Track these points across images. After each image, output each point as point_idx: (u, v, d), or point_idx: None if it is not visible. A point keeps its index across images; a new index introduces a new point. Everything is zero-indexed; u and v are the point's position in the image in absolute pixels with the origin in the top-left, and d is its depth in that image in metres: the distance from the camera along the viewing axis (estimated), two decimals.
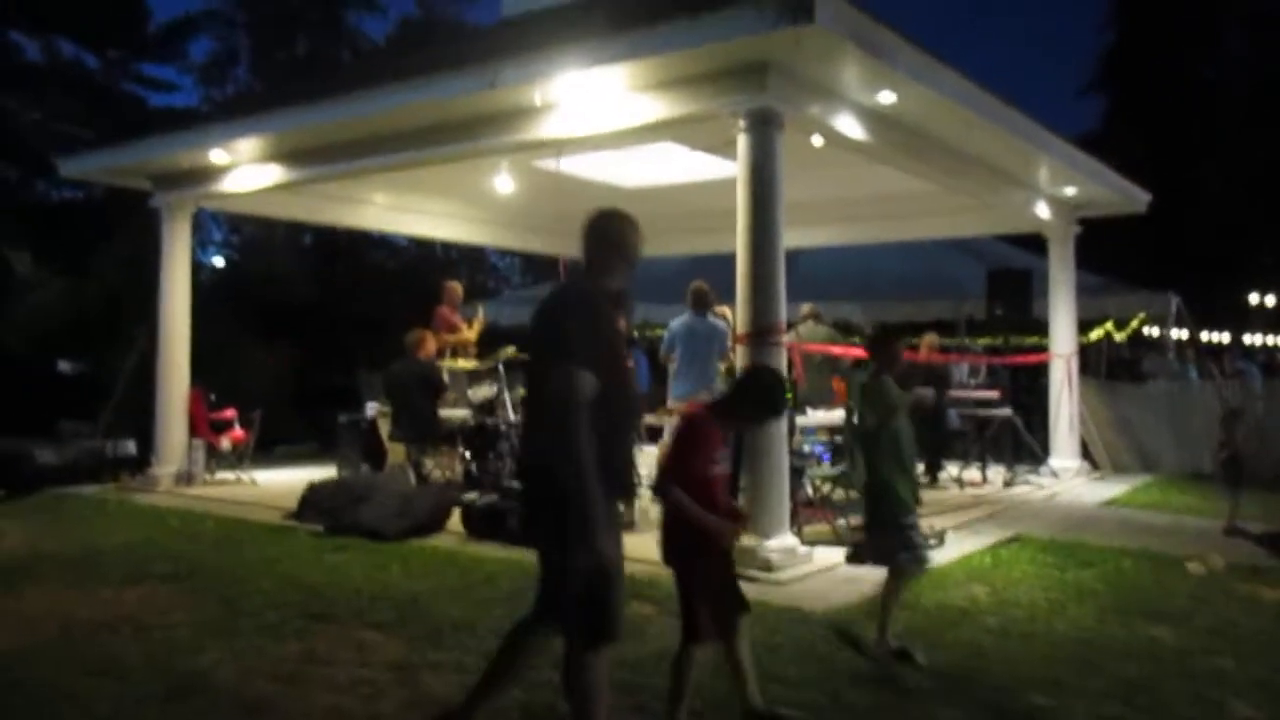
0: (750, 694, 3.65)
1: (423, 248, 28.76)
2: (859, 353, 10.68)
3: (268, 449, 12.21)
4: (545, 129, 7.43)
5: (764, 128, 6.37)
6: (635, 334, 12.28)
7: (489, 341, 10.98)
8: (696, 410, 3.81)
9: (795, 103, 6.56)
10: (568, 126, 7.32)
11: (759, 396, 3.69)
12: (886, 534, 4.35)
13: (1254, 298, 24.64)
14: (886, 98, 7.03)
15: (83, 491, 9.69)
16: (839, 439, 8.30)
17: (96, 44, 21.70)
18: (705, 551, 3.53)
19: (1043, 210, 10.60)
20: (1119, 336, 13.89)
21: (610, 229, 3.35)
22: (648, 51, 6.28)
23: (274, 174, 9.35)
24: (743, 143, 6.43)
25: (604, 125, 7.16)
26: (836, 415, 8.42)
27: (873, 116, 7.35)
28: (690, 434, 3.59)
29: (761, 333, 6.32)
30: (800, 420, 7.78)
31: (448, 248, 29.45)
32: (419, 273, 27.12)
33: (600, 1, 8.32)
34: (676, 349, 8.48)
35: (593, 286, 3.29)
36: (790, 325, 9.96)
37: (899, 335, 5.14)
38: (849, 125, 7.17)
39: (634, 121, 7.01)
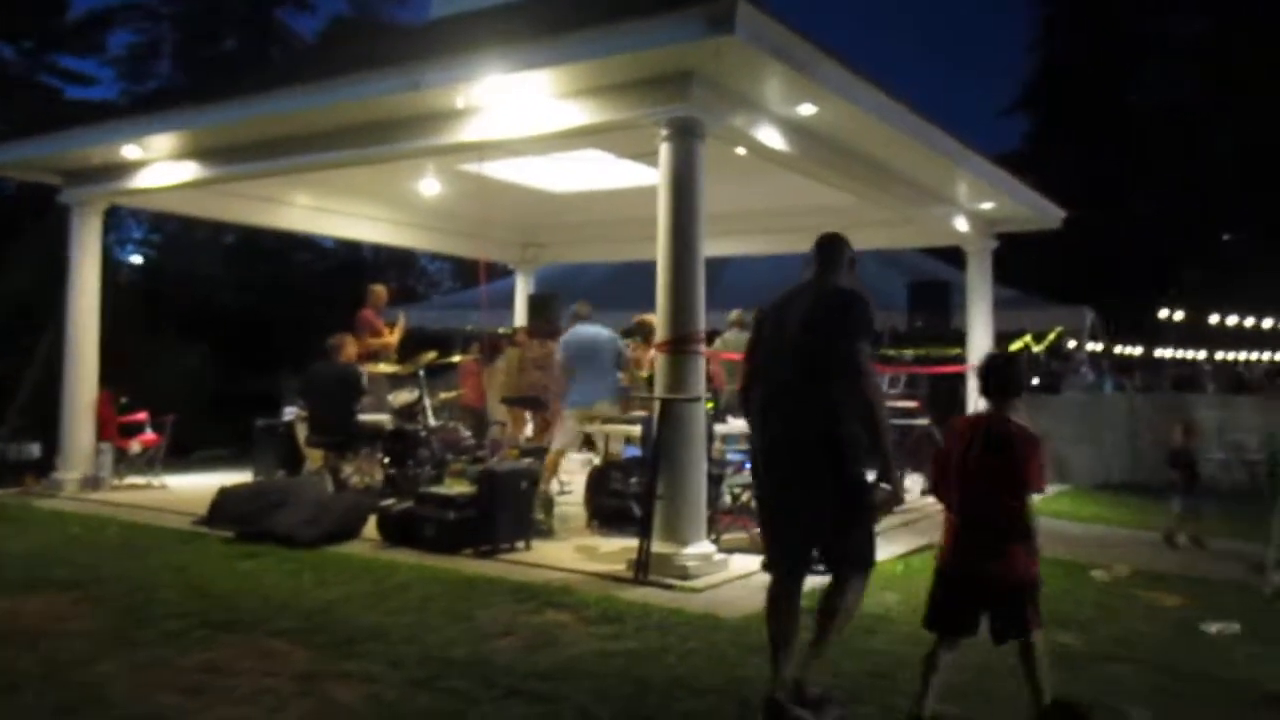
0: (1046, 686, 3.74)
1: (351, 250, 28.40)
2: None
3: (185, 453, 11.91)
4: (469, 132, 7.37)
5: (685, 137, 6.39)
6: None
7: (413, 346, 10.87)
8: (1018, 424, 3.77)
9: (717, 113, 6.59)
10: (492, 130, 7.27)
11: (1006, 375, 3.83)
12: None
13: (1164, 313, 25.49)
14: (807, 110, 7.11)
15: None
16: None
17: (10, 33, 21.04)
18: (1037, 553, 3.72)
19: (961, 224, 10.82)
20: (1037, 349, 14.24)
21: (843, 246, 4.24)
22: (570, 58, 6.28)
23: (189, 171, 9.11)
24: (664, 151, 6.44)
25: (528, 130, 7.13)
26: None
27: (794, 128, 7.43)
28: (1037, 446, 3.69)
29: (680, 340, 6.33)
30: (720, 429, 7.81)
31: (377, 251, 29.11)
32: (346, 276, 26.74)
33: (527, 6, 8.28)
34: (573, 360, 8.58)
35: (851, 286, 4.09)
36: (716, 333, 10.06)
37: None
38: (771, 136, 7.23)
39: (557, 127, 6.99)
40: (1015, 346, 13.54)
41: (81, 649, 4.66)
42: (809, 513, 3.82)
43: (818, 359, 3.79)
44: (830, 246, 4.21)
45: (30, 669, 4.36)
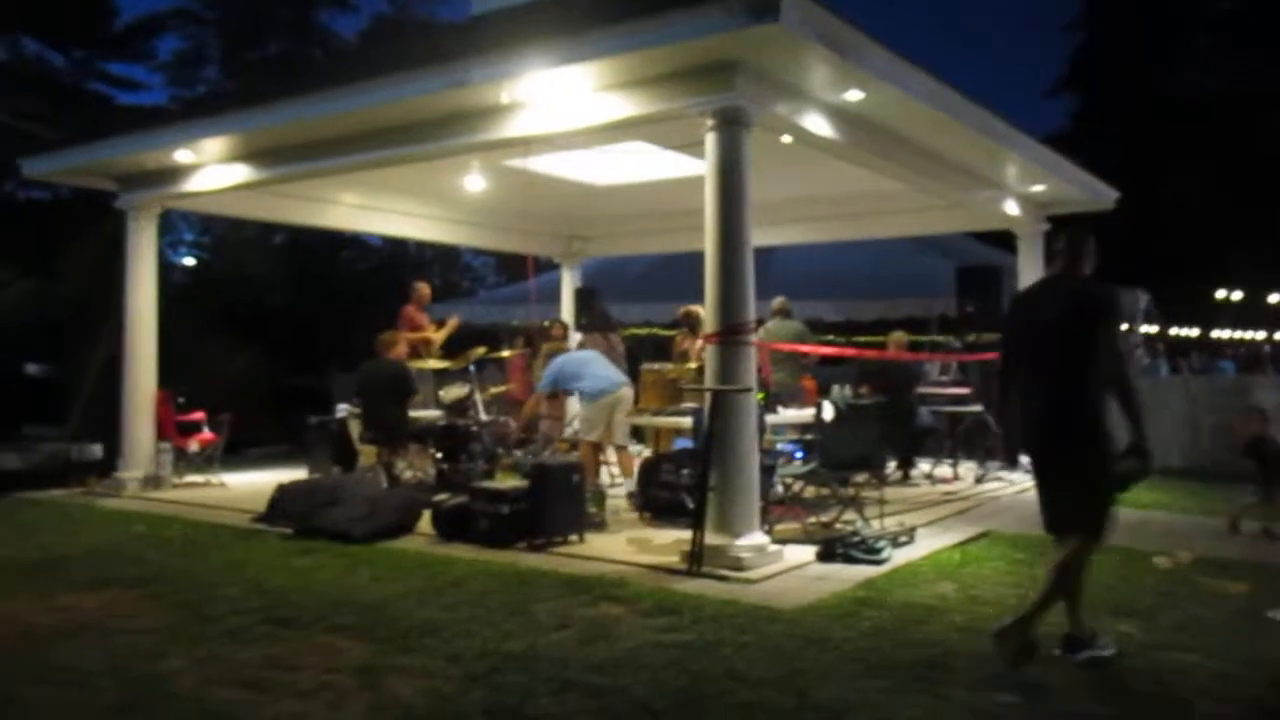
0: None
1: (396, 247, 28.63)
2: (827, 351, 10.73)
3: (240, 451, 12.10)
4: (514, 127, 7.39)
5: (732, 127, 6.35)
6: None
7: (461, 341, 10.95)
8: None
9: (763, 101, 6.54)
10: (536, 125, 7.28)
11: None
12: None
13: (1220, 293, 24.93)
14: (854, 96, 7.03)
15: (47, 496, 9.57)
16: (809, 436, 8.31)
17: (61, 42, 21.44)
18: None
19: (1011, 208, 10.66)
20: None
21: (1089, 238, 4.63)
22: (615, 50, 6.26)
23: (240, 174, 9.24)
24: (710, 142, 6.40)
25: (573, 124, 7.12)
26: (807, 413, 8.43)
27: (841, 115, 7.35)
28: None
29: (730, 331, 6.31)
30: (771, 419, 7.78)
31: (421, 247, 29.31)
32: (392, 272, 26.98)
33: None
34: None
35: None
36: (760, 321, 10.02)
37: None
38: (817, 124, 7.16)
39: (602, 120, 6.98)
40: None
41: (146, 644, 4.75)
42: (1061, 485, 4.44)
43: (1077, 349, 4.33)
44: (1077, 239, 4.66)
45: (97, 664, 4.46)
